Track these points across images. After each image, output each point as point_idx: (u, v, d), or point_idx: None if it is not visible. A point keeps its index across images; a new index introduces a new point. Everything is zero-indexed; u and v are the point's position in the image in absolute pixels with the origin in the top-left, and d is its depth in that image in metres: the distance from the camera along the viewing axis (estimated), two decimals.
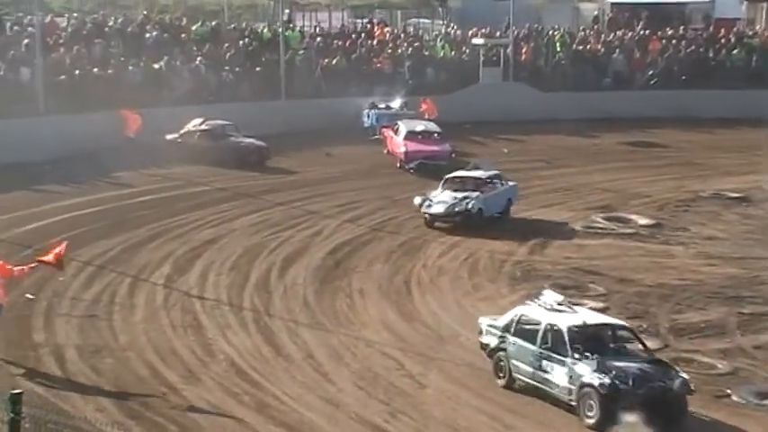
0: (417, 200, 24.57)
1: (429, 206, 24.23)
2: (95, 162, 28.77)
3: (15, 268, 16.19)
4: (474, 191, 24.66)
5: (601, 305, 18.89)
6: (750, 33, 45.70)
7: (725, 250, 22.93)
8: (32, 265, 16.62)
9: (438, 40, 42.70)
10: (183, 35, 38.60)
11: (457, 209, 24.09)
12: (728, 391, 15.34)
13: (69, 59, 33.31)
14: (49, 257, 16.45)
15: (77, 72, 32.78)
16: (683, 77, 40.85)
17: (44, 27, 33.72)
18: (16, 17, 37.13)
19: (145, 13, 44.93)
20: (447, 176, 25.39)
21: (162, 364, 15.83)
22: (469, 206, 24.12)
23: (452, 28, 46.01)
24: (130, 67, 34.04)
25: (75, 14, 42.48)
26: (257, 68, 37.01)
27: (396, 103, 34.87)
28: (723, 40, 43.21)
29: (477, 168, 26.55)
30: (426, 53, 40.85)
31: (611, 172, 31.24)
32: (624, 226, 24.73)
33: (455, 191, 24.62)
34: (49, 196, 25.94)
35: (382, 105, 34.80)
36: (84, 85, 32.63)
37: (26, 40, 32.91)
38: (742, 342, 17.42)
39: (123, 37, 37.00)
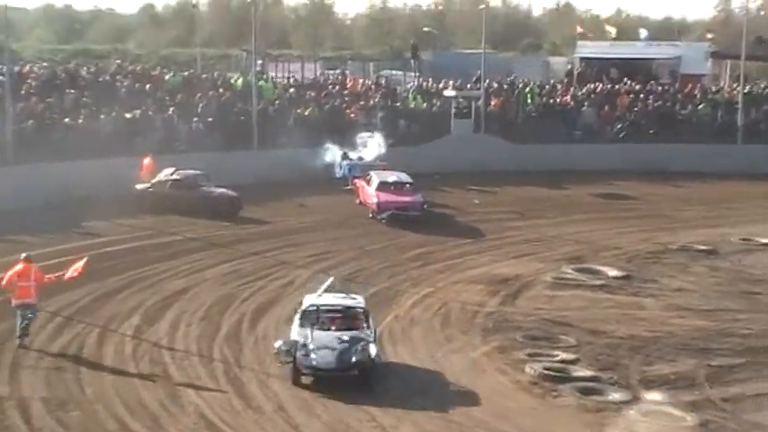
0: (280, 344, 17.41)
1: (306, 356, 17.01)
2: (65, 212, 28.63)
3: (46, 276, 18.81)
4: (354, 329, 17.91)
5: (572, 356, 18.95)
6: (715, 89, 46.50)
7: (694, 302, 23.06)
8: (58, 274, 19.12)
9: (410, 91, 43.05)
10: (155, 85, 38.69)
11: (355, 358, 17.05)
12: None
13: (40, 108, 33.27)
14: (73, 273, 19.13)
15: (48, 121, 32.74)
16: (651, 131, 41.39)
17: (15, 76, 33.66)
18: None
19: (118, 62, 45.12)
20: (307, 308, 18.50)
21: (130, 417, 15.62)
22: (371, 354, 17.21)
23: (425, 80, 46.41)
24: (102, 117, 33.99)
25: (45, 64, 42.56)
26: (230, 118, 37.12)
27: (368, 154, 35.03)
28: (689, 96, 43.94)
29: (332, 290, 19.62)
30: (398, 104, 41.18)
31: (581, 223, 31.44)
32: (594, 277, 24.83)
33: (331, 329, 17.90)
34: (19, 246, 25.52)
35: (354, 156, 34.99)
36: (54, 134, 32.58)
37: None
38: (711, 394, 17.46)
39: (96, 86, 37.03)
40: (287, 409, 16.23)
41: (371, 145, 35.22)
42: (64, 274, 19.09)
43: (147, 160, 31.28)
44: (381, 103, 40.08)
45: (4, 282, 18.59)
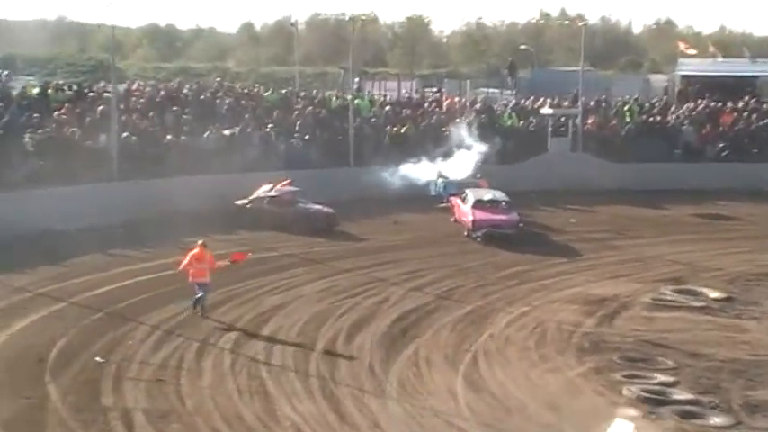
0: None
1: None
2: (167, 227, 29.23)
3: (217, 263, 21.90)
4: None
5: (671, 379, 18.60)
6: None
7: None
8: (225, 262, 22.33)
9: (506, 109, 42.90)
10: (254, 103, 39.33)
11: None
12: None
13: (143, 126, 34.11)
14: (238, 260, 22.90)
15: (150, 138, 33.55)
16: (755, 150, 40.46)
17: (119, 95, 34.58)
18: (95, 86, 38.11)
19: (218, 80, 45.96)
20: None
21: (228, 430, 15.86)
22: None
23: (521, 98, 46.19)
24: (206, 135, 34.63)
25: (150, 82, 43.59)
26: (326, 135, 37.51)
27: (462, 172, 34.94)
28: None
29: None
30: (495, 123, 41.06)
31: (680, 244, 30.87)
32: (695, 299, 24.35)
33: None
34: (122, 260, 26.40)
35: (449, 174, 34.93)
36: (157, 150, 33.36)
37: (101, 107, 33.77)
38: None
39: (196, 104, 37.81)
40: (382, 425, 16.29)
41: (466, 163, 35.11)
42: (229, 262, 22.53)
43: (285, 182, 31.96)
44: (477, 121, 39.94)
45: (185, 263, 21.76)
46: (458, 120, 39.70)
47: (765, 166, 39.37)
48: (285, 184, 32.07)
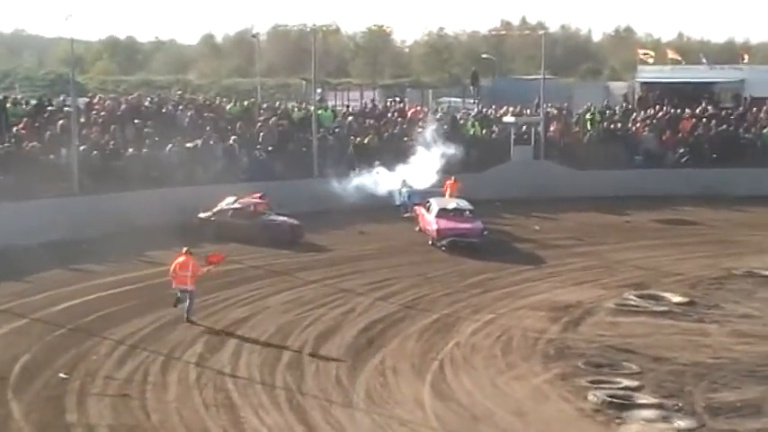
0: None
1: None
2: (129, 241, 29.07)
3: (201, 269, 22.50)
4: None
5: (635, 383, 18.74)
6: None
7: (759, 328, 22.68)
8: (207, 267, 22.96)
9: (469, 118, 43.09)
10: (216, 115, 39.23)
11: None
12: None
13: (104, 139, 33.90)
14: (214, 262, 23.28)
15: (111, 152, 33.35)
16: (714, 155, 40.92)
17: (79, 109, 34.34)
18: (55, 100, 37.87)
19: (179, 93, 45.82)
20: None
21: None
22: None
23: (484, 107, 46.43)
24: (168, 148, 34.46)
25: (111, 95, 43.37)
26: (290, 147, 37.47)
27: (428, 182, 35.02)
28: (754, 119, 43.38)
29: None
30: (458, 132, 41.19)
31: (643, 249, 31.13)
32: (657, 304, 24.57)
33: None
34: (84, 275, 26.19)
35: (413, 183, 35.00)
36: (118, 164, 33.16)
37: (61, 121, 33.52)
38: None
39: (158, 117, 37.64)
40: None
41: (429, 172, 35.19)
42: (210, 266, 23.15)
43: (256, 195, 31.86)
44: (440, 130, 40.07)
45: (170, 272, 22.32)
46: (421, 129, 39.80)
47: (724, 171, 39.85)
48: (257, 197, 31.91)
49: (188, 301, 22.26)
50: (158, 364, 19.46)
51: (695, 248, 31.39)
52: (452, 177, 34.60)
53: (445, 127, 40.33)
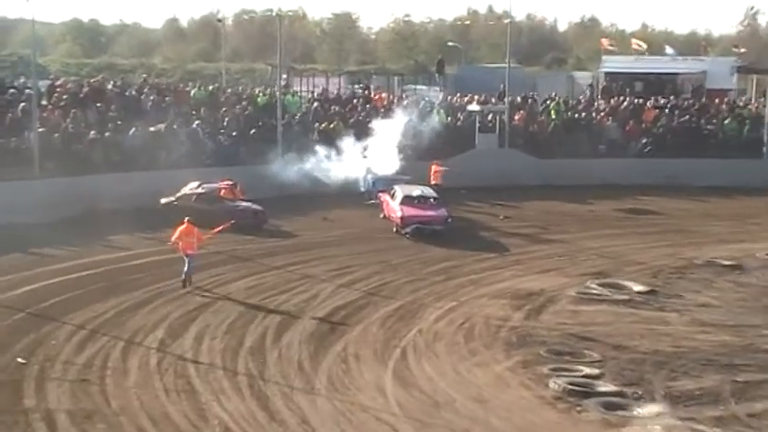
0: None
1: None
2: (91, 225, 28.85)
3: (203, 236, 24.35)
4: None
5: (596, 371, 18.87)
6: (741, 104, 46.29)
7: (719, 318, 22.91)
8: (210, 234, 24.78)
9: (434, 106, 43.09)
10: (180, 99, 38.96)
11: None
12: None
13: (66, 122, 33.55)
14: (217, 230, 25.06)
15: (73, 135, 33.01)
16: (676, 146, 41.22)
17: (40, 92, 33.93)
18: (16, 82, 37.41)
19: (143, 77, 45.47)
20: None
21: (155, 430, 15.67)
22: None
23: (449, 95, 46.46)
24: (131, 131, 34.15)
25: (72, 78, 42.93)
26: (254, 132, 37.29)
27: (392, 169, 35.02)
28: (715, 111, 43.80)
29: None
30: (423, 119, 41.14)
31: (605, 238, 31.34)
32: (619, 292, 24.73)
33: None
34: (44, 259, 25.96)
35: (378, 170, 34.97)
36: (80, 147, 32.85)
37: (22, 104, 33.12)
38: (736, 410, 17.30)
39: (121, 101, 37.32)
40: (311, 422, 16.23)
41: (394, 159, 35.20)
42: (214, 233, 25.00)
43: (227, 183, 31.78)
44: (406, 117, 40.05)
45: (175, 237, 23.94)
46: (386, 116, 39.74)
47: (687, 161, 40.18)
48: (228, 186, 31.69)
49: (188, 265, 23.68)
50: (119, 350, 19.32)
51: (657, 238, 31.64)
52: (437, 162, 34.77)
53: (411, 114, 40.31)
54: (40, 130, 31.65)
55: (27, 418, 15.89)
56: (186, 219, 24.30)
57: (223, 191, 31.53)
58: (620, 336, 21.24)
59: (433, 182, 34.54)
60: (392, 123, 36.90)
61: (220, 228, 25.30)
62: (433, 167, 35.12)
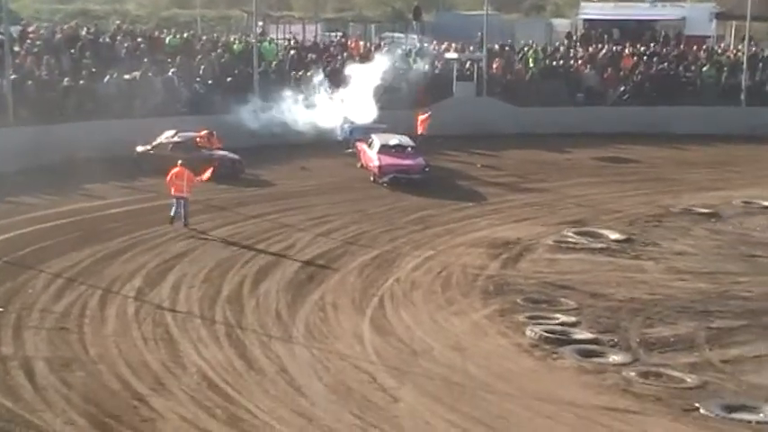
0: None
1: None
2: (66, 174, 28.65)
3: (195, 178, 24.71)
4: None
5: (572, 319, 19.01)
6: (720, 51, 46.24)
7: (695, 265, 23.09)
8: (199, 178, 24.95)
9: (411, 53, 42.82)
10: (155, 47, 38.52)
11: None
12: (697, 404, 15.40)
13: (40, 70, 33.14)
14: (205, 176, 25.19)
15: (47, 82, 32.63)
16: (654, 94, 41.21)
17: (11, 38, 33.42)
18: None
19: (117, 23, 44.85)
20: None
21: (133, 377, 15.68)
22: None
23: (426, 42, 46.15)
24: (106, 79, 33.80)
25: (45, 24, 42.30)
26: (229, 80, 36.95)
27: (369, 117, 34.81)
28: (693, 58, 43.76)
29: None
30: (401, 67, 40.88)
31: (583, 187, 31.41)
32: (595, 241, 24.87)
33: None
34: (20, 207, 25.77)
35: (355, 119, 34.78)
36: (54, 95, 32.48)
37: None
38: (711, 356, 17.51)
39: (95, 48, 36.86)
40: (289, 370, 16.29)
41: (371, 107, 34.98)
42: (202, 178, 25.08)
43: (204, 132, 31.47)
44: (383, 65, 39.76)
45: (167, 179, 24.53)
46: (363, 64, 39.44)
47: (665, 109, 40.21)
48: (204, 135, 31.45)
49: (183, 208, 24.41)
50: (96, 298, 19.29)
51: (634, 186, 31.76)
52: (423, 111, 34.67)
53: (388, 61, 40.03)
54: (13, 77, 31.26)
55: (5, 366, 15.85)
56: (180, 162, 24.76)
57: (199, 139, 31.31)
58: (597, 284, 21.40)
59: (419, 132, 34.47)
60: (369, 71, 36.64)
61: (209, 172, 25.42)
62: (420, 117, 34.96)
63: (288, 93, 34.55)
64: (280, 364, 16.54)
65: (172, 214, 24.49)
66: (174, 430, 14.06)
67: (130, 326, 17.97)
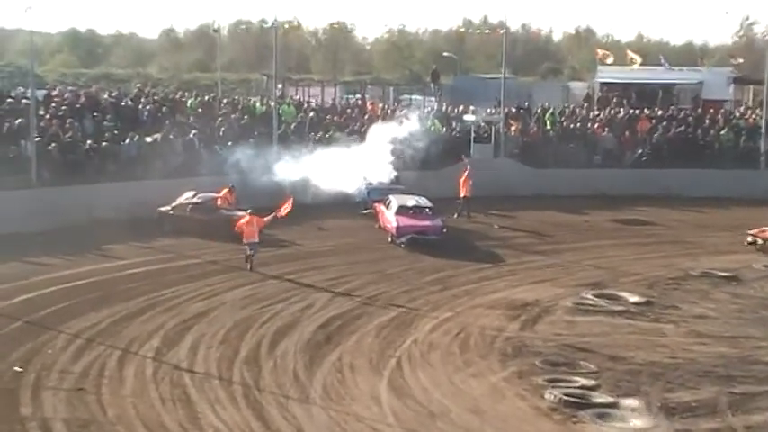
0: None
1: None
2: (87, 234, 28.85)
3: (264, 220, 26.87)
4: None
5: (592, 382, 18.86)
6: (738, 115, 46.35)
7: (716, 329, 22.92)
8: (272, 215, 27.02)
9: (429, 116, 43.12)
10: (176, 109, 38.95)
11: None
12: None
13: (63, 132, 33.52)
14: (282, 212, 27.10)
15: (70, 144, 32.97)
16: (672, 156, 41.24)
17: (37, 101, 33.85)
18: (14, 92, 37.31)
19: (139, 86, 45.43)
20: None
21: None
22: None
23: (444, 105, 46.50)
24: (127, 141, 34.14)
25: (69, 88, 42.89)
26: (250, 141, 37.21)
27: (387, 178, 34.89)
28: (711, 121, 43.84)
29: None
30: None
31: (601, 249, 31.36)
32: (614, 303, 24.73)
33: None
34: (41, 268, 25.92)
35: (374, 180, 34.88)
36: (76, 157, 32.81)
37: (19, 120, 32.78)
38: (733, 422, 17.30)
39: (117, 110, 37.30)
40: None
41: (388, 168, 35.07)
42: (277, 214, 27.02)
43: (225, 191, 31.80)
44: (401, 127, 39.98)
45: (237, 227, 26.93)
46: (381, 126, 39.66)
47: (683, 172, 40.23)
48: (226, 192, 31.71)
49: (252, 251, 26.59)
50: (115, 359, 19.31)
51: (653, 249, 31.66)
52: (465, 169, 34.82)
53: (408, 121, 40.23)
54: (37, 139, 31.65)
55: (24, 427, 15.88)
56: (249, 211, 27.10)
57: (219, 200, 31.52)
58: (617, 346, 21.25)
59: (462, 194, 34.56)
60: (387, 133, 36.85)
61: (286, 207, 27.10)
62: (461, 179, 34.93)
63: (313, 154, 34.71)
64: (297, 426, 16.47)
65: (246, 262, 26.64)
66: None
67: (148, 386, 17.96)
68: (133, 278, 25.50)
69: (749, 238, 31.43)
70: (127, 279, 25.36)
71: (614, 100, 48.00)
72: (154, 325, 21.56)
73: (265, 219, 26.91)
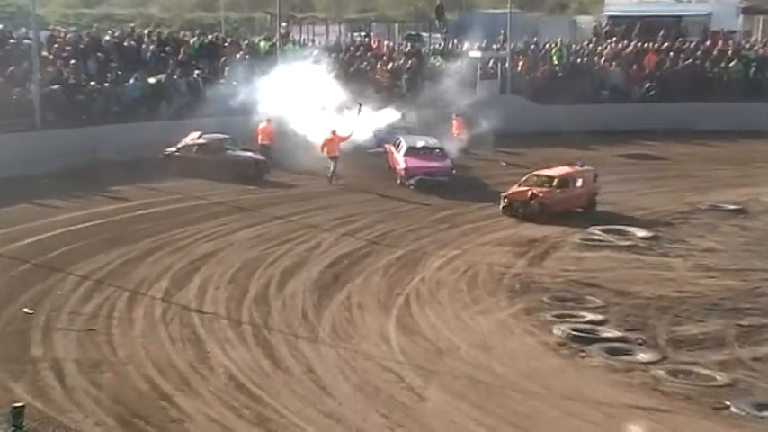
0: None
1: None
2: (93, 176, 28.85)
3: (342, 138, 30.36)
4: None
5: (599, 317, 18.93)
6: (747, 46, 45.83)
7: (723, 262, 22.94)
8: (351, 134, 30.71)
9: (435, 53, 42.75)
10: (179, 49, 38.65)
11: None
12: (727, 402, 15.30)
13: (66, 73, 33.34)
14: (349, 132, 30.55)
15: (74, 86, 32.81)
16: (680, 90, 40.91)
17: (40, 43, 33.62)
18: (15, 33, 37.01)
19: (132, 26, 45.04)
20: None
21: (161, 378, 15.77)
22: None
23: (449, 41, 46.09)
24: (131, 81, 33.97)
25: (72, 29, 42.56)
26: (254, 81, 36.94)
27: (394, 117, 34.65)
28: (719, 53, 43.38)
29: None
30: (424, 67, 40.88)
31: (608, 184, 31.05)
32: (622, 238, 24.74)
33: None
34: (48, 210, 25.96)
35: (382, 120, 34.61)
36: (80, 98, 32.67)
37: (26, 64, 32.59)
38: (741, 354, 17.39)
39: (120, 51, 37.05)
40: (316, 370, 16.32)
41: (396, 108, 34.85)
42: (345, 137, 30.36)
43: (263, 124, 31.67)
44: (407, 65, 39.77)
45: (321, 144, 30.03)
46: (387, 64, 39.45)
47: (690, 105, 39.94)
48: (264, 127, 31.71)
49: (334, 166, 29.81)
50: (124, 300, 19.40)
51: (660, 183, 31.60)
52: (458, 113, 34.48)
53: (411, 61, 40.04)
54: (41, 81, 31.49)
55: (35, 367, 15.99)
56: (331, 130, 29.77)
57: (259, 133, 31.48)
58: (624, 281, 21.30)
59: (455, 135, 34.37)
60: (393, 71, 36.66)
61: (350, 129, 30.44)
62: (454, 120, 34.73)
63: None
64: (306, 365, 16.58)
65: (329, 175, 29.78)
66: (201, 430, 14.12)
67: (158, 327, 18.07)
68: (141, 219, 25.54)
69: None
70: (135, 220, 25.40)
71: (622, 34, 47.41)
72: (162, 266, 21.63)
73: (344, 135, 30.10)
